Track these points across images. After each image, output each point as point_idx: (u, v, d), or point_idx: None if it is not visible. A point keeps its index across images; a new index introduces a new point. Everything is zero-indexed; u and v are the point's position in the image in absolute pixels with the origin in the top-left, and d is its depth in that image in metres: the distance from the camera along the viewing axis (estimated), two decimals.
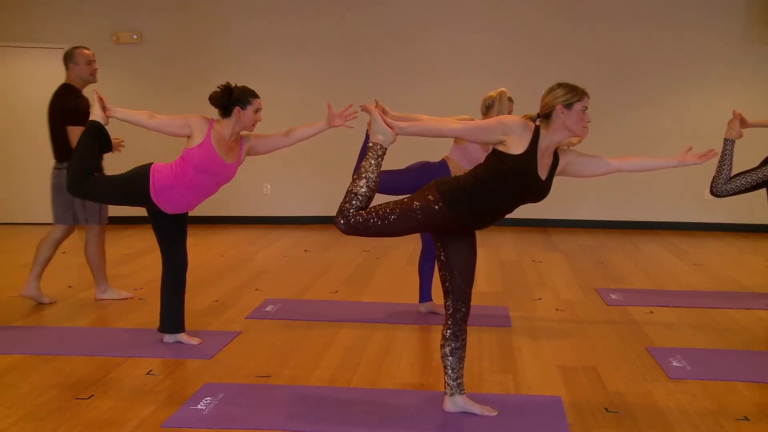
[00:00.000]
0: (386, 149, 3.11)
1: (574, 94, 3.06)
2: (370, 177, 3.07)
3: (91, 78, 5.28)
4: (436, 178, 4.32)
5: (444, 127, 3.12)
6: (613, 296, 5.48)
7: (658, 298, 5.46)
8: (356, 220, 3.04)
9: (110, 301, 5.27)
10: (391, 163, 4.54)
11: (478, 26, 8.98)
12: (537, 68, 8.75)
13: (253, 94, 4.02)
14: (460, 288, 3.18)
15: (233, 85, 4.00)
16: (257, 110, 4.02)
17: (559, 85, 3.09)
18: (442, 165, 4.66)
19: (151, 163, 4.04)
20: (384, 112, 4.42)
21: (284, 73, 9.16)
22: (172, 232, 4.19)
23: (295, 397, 3.45)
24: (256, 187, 9.30)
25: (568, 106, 3.04)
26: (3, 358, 3.96)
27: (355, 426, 3.12)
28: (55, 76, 9.09)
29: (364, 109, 3.27)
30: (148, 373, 3.74)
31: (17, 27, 9.07)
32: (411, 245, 7.65)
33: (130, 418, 3.19)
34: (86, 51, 5.30)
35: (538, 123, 3.10)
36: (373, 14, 9.05)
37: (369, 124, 3.17)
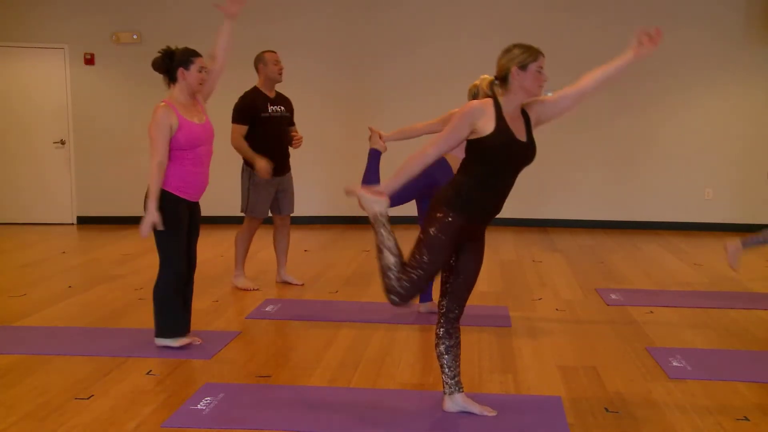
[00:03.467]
0: (388, 215, 3.10)
1: (529, 54, 3.01)
2: (390, 246, 3.06)
3: (278, 77, 5.61)
4: (437, 176, 4.37)
5: (425, 158, 3.02)
6: (613, 296, 5.48)
7: (658, 298, 5.45)
8: (404, 286, 3.02)
9: (110, 302, 5.28)
10: (390, 165, 4.57)
11: (477, 30, 8.96)
12: None
13: (195, 53, 4.03)
14: (460, 292, 3.19)
15: (173, 48, 4.01)
16: (201, 68, 4.03)
17: (515, 45, 3.05)
18: (441, 162, 4.66)
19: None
20: (380, 136, 4.59)
21: (285, 75, 9.12)
22: (188, 234, 4.18)
23: (295, 397, 3.45)
24: None
25: (523, 67, 3.00)
26: (3, 358, 3.96)
27: (355, 426, 3.12)
28: (55, 76, 9.17)
29: (349, 192, 3.15)
30: (148, 373, 3.74)
31: (17, 27, 9.06)
32: (411, 245, 7.65)
33: (130, 418, 3.19)
34: (272, 53, 5.66)
35: (496, 85, 3.08)
36: (374, 20, 9.03)
37: (358, 200, 3.13)
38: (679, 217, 9.00)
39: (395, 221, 9.92)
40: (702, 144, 8.90)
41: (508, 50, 3.05)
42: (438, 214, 3.02)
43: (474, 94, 4.62)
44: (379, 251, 3.06)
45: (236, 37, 9.00)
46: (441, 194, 3.10)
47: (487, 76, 4.56)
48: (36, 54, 9.14)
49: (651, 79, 8.84)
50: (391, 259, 3.05)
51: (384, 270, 3.05)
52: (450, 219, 3.01)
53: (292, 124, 5.72)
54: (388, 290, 3.05)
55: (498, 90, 3.09)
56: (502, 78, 3.05)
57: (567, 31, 8.87)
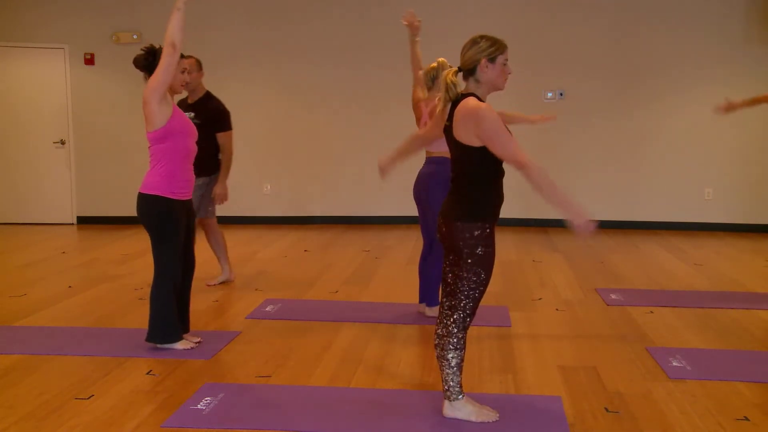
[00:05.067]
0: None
1: (497, 47, 3.00)
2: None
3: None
4: (439, 175, 4.42)
5: (543, 168, 2.94)
6: (613, 296, 5.48)
7: (658, 298, 5.45)
8: (470, 307, 3.05)
9: (110, 302, 5.28)
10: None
11: (476, 31, 8.95)
12: (537, 71, 8.75)
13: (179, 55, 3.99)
14: None
15: (157, 46, 3.97)
16: (183, 70, 4.00)
17: (482, 37, 3.03)
18: (434, 161, 4.66)
19: (144, 195, 3.98)
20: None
21: (286, 75, 9.16)
22: (185, 235, 4.17)
23: (295, 397, 3.45)
24: (256, 187, 9.31)
25: (492, 59, 2.98)
26: (3, 358, 3.96)
27: (355, 426, 3.12)
28: (55, 76, 9.17)
29: (581, 228, 3.22)
30: (148, 373, 3.74)
31: (17, 27, 9.07)
32: (411, 245, 7.65)
33: (130, 418, 3.19)
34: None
35: (459, 76, 3.05)
36: (373, 21, 9.04)
37: None
38: (679, 217, 9.00)
39: (394, 221, 9.86)
40: (702, 144, 8.90)
41: (475, 41, 3.02)
42: (476, 232, 2.98)
43: (433, 77, 4.62)
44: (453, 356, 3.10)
45: (233, 35, 9.04)
46: (464, 211, 3.02)
47: (444, 60, 4.52)
48: (36, 54, 9.14)
49: (651, 79, 8.85)
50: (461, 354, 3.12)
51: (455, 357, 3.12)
52: (488, 230, 3.01)
53: (213, 130, 5.45)
54: (465, 327, 3.08)
55: (461, 82, 3.06)
56: (469, 70, 3.02)
57: (566, 32, 8.87)
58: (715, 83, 8.80)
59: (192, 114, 5.39)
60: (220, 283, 5.85)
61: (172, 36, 3.71)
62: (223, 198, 5.58)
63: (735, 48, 8.69)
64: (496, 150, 2.92)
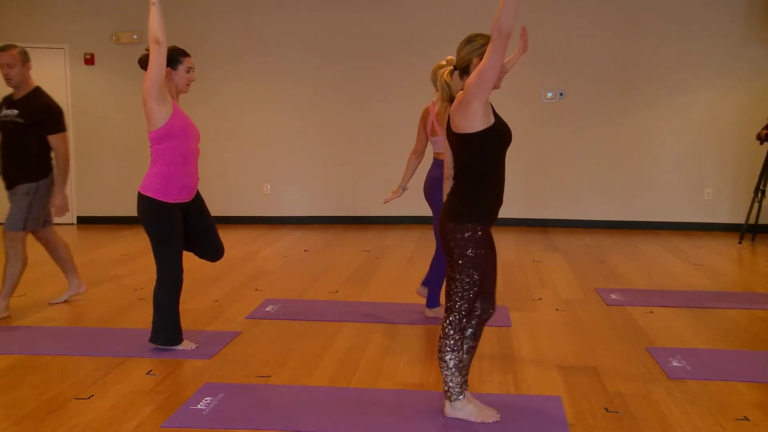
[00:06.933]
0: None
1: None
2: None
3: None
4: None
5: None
6: (613, 296, 5.48)
7: (658, 298, 5.45)
8: (464, 307, 3.04)
9: (110, 302, 5.28)
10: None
11: (478, 30, 8.95)
12: (537, 71, 8.75)
13: (184, 53, 3.96)
14: (490, 288, 3.20)
15: None
16: (189, 69, 3.98)
17: (477, 35, 3.02)
18: (441, 164, 4.65)
19: (140, 196, 3.95)
20: (397, 191, 4.78)
21: (285, 74, 9.16)
22: (199, 224, 4.15)
23: (295, 397, 3.45)
24: (256, 187, 9.31)
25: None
26: (3, 358, 3.96)
27: (355, 426, 3.12)
28: (55, 76, 9.17)
29: None
30: (148, 373, 3.75)
31: (17, 27, 9.07)
32: (411, 245, 7.65)
33: (130, 418, 3.19)
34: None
35: (455, 75, 3.04)
36: (379, 16, 9.04)
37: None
38: (679, 217, 9.00)
39: (394, 221, 9.84)
40: (702, 144, 8.90)
41: (469, 40, 3.01)
42: (466, 234, 2.97)
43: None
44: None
45: (233, 34, 9.04)
46: (456, 212, 3.00)
47: (452, 58, 4.52)
48: (36, 54, 9.02)
49: (651, 79, 8.84)
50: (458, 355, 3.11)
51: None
52: (479, 233, 2.99)
53: (41, 131, 4.86)
54: (461, 329, 3.07)
55: (458, 81, 3.05)
56: (463, 69, 3.01)
57: (567, 34, 8.86)
58: (715, 84, 8.81)
59: (15, 112, 4.84)
60: (65, 301, 5.25)
61: (153, 32, 3.71)
62: (63, 209, 4.88)
63: (735, 50, 8.69)
64: (483, 63, 2.80)
